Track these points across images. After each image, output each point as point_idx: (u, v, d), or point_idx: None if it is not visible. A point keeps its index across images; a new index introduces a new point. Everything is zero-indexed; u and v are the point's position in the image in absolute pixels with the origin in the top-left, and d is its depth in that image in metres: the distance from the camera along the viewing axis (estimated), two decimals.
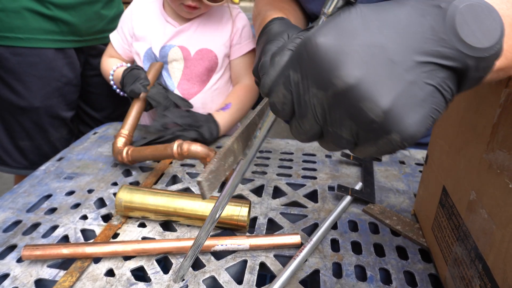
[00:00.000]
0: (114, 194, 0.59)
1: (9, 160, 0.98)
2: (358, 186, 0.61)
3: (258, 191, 0.62)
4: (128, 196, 0.52)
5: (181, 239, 0.47)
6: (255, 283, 0.43)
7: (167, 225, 0.54)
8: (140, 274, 0.45)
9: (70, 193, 0.60)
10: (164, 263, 0.47)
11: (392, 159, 0.72)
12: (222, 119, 0.80)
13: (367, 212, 0.55)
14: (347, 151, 0.72)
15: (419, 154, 0.74)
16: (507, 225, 0.29)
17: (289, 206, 0.57)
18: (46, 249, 0.45)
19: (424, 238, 0.49)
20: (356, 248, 0.48)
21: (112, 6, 1.01)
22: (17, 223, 0.53)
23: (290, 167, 0.69)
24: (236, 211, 0.50)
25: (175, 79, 0.87)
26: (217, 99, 0.90)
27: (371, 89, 0.21)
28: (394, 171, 0.67)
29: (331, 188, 0.62)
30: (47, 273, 0.44)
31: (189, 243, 0.46)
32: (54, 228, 0.52)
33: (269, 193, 0.60)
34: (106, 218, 0.54)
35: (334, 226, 0.52)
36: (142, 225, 0.53)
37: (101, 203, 0.58)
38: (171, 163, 0.70)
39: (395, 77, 0.21)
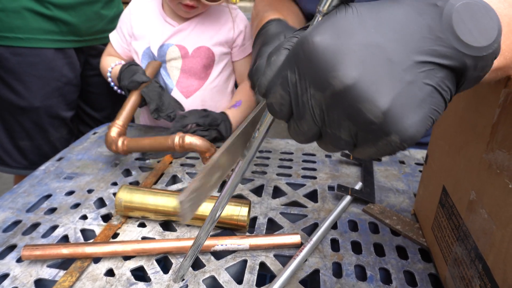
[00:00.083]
0: (114, 194, 0.59)
1: (9, 160, 0.98)
2: (358, 186, 0.61)
3: (258, 191, 0.61)
4: (128, 196, 0.52)
5: (181, 239, 0.47)
6: (255, 283, 0.43)
7: (167, 225, 0.54)
8: (140, 274, 0.45)
9: (70, 193, 0.60)
10: (164, 263, 0.47)
11: (392, 159, 0.72)
12: (234, 116, 0.82)
13: (367, 212, 0.55)
14: (347, 151, 0.72)
15: (419, 154, 0.74)
16: (507, 225, 0.29)
17: (289, 206, 0.57)
18: (46, 249, 0.45)
19: (424, 238, 0.49)
20: (356, 248, 0.48)
21: (112, 6, 1.01)
22: (16, 223, 0.53)
23: (290, 167, 0.69)
24: (236, 211, 0.50)
25: (173, 77, 0.87)
26: (216, 97, 0.91)
27: (369, 89, 0.21)
28: (394, 171, 0.67)
29: (331, 188, 0.62)
30: (47, 273, 0.44)
31: (189, 243, 0.46)
32: (54, 228, 0.52)
33: (269, 193, 0.60)
34: (106, 218, 0.54)
35: (334, 226, 0.52)
36: (142, 225, 0.53)
37: (101, 203, 0.58)
38: (171, 163, 0.70)
39: (394, 77, 0.21)
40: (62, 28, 0.90)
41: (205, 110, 0.79)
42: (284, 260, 0.46)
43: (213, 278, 0.44)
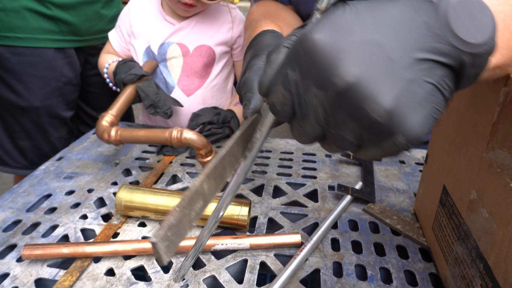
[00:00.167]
0: (114, 193, 0.59)
1: (9, 160, 0.97)
2: (358, 185, 0.61)
3: (258, 190, 0.61)
4: (128, 196, 0.52)
5: None
6: (255, 283, 0.43)
7: None
8: (140, 273, 0.45)
9: (70, 192, 0.60)
10: None
11: (392, 158, 0.72)
12: (241, 113, 0.82)
13: (367, 211, 0.55)
14: (351, 152, 0.72)
15: (419, 154, 0.74)
16: (508, 224, 0.29)
17: (289, 206, 0.57)
18: (46, 249, 0.45)
19: (424, 237, 0.49)
20: (357, 247, 0.48)
21: (112, 6, 1.01)
22: (17, 222, 0.53)
23: (290, 167, 0.69)
24: (236, 211, 0.50)
25: (174, 76, 0.87)
26: (216, 95, 0.92)
27: (371, 87, 0.21)
28: (394, 171, 0.67)
29: (331, 188, 0.62)
30: (47, 272, 0.44)
31: (189, 242, 0.46)
32: (54, 227, 0.52)
33: (269, 192, 0.60)
34: (106, 217, 0.54)
35: (334, 226, 0.52)
36: (142, 224, 0.53)
37: (101, 202, 0.58)
38: (171, 162, 0.70)
39: (395, 75, 0.21)
40: (62, 28, 0.89)
41: (215, 108, 0.80)
42: (285, 259, 0.46)
43: (213, 278, 0.44)
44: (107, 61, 0.86)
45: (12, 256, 0.46)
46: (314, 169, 0.68)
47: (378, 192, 0.60)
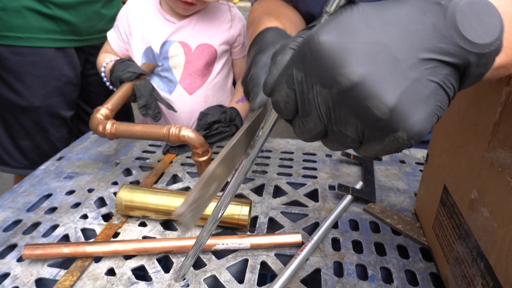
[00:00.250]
0: (115, 193, 0.59)
1: (9, 160, 0.97)
2: (359, 185, 0.61)
3: (259, 190, 0.61)
4: (129, 195, 0.52)
5: (181, 238, 0.47)
6: (256, 282, 0.42)
7: (168, 224, 0.54)
8: (141, 273, 0.45)
9: (70, 192, 0.60)
10: (165, 262, 0.47)
11: (392, 158, 0.72)
12: (243, 110, 0.85)
13: (367, 211, 0.55)
14: (348, 150, 0.72)
15: (419, 153, 0.74)
16: (509, 223, 0.29)
17: (290, 205, 0.57)
18: (47, 248, 0.45)
19: (425, 237, 0.49)
20: (357, 247, 0.48)
21: (112, 5, 1.01)
22: (17, 222, 0.53)
23: (291, 167, 0.69)
24: (237, 210, 0.50)
25: (177, 74, 0.87)
26: (218, 93, 0.93)
27: (376, 86, 0.21)
28: (394, 170, 0.67)
29: (331, 187, 0.62)
30: (47, 272, 0.44)
31: (190, 242, 0.46)
32: (55, 227, 0.52)
33: (270, 192, 0.60)
34: (107, 217, 0.54)
35: (335, 225, 0.52)
36: (143, 224, 0.53)
37: (101, 202, 0.58)
38: (171, 162, 0.70)
39: (399, 75, 0.22)
40: (62, 28, 0.89)
41: (221, 106, 0.80)
42: (285, 259, 0.46)
43: (214, 278, 0.44)
44: (105, 60, 0.87)
45: (12, 256, 0.46)
46: (315, 168, 0.68)
47: (378, 192, 0.60)
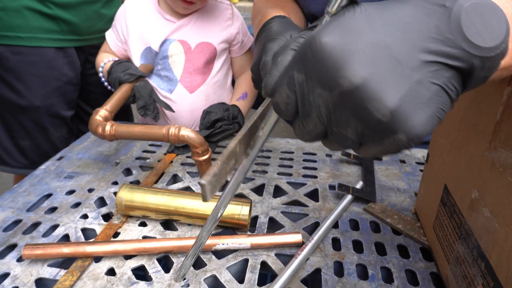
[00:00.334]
0: (115, 193, 0.59)
1: (9, 160, 0.97)
2: (359, 185, 0.61)
3: (259, 190, 0.61)
4: (129, 195, 0.52)
5: (182, 238, 0.47)
6: (256, 282, 0.42)
7: (168, 224, 0.54)
8: (141, 273, 0.45)
9: (70, 192, 0.60)
10: (165, 262, 0.47)
11: (393, 158, 0.72)
12: (244, 108, 0.86)
13: (368, 211, 0.55)
14: (348, 150, 0.72)
15: (420, 153, 0.74)
16: (510, 223, 0.29)
17: (290, 205, 0.57)
18: (47, 248, 0.44)
19: (425, 236, 0.49)
20: (358, 246, 0.48)
21: (112, 5, 1.01)
22: (17, 222, 0.52)
23: (291, 166, 0.69)
24: (237, 210, 0.50)
25: (177, 73, 0.87)
26: (218, 91, 0.93)
27: (377, 89, 0.21)
28: (394, 170, 0.67)
29: (331, 187, 0.62)
30: (47, 272, 0.44)
31: (190, 242, 0.46)
32: (55, 227, 0.52)
33: (270, 192, 0.60)
34: (107, 217, 0.54)
35: (335, 225, 0.52)
36: (143, 224, 0.53)
37: (101, 202, 0.58)
38: (171, 162, 0.70)
39: (401, 77, 0.21)
40: (62, 27, 0.89)
41: (223, 104, 0.80)
42: (286, 259, 0.46)
43: (214, 277, 0.44)
44: (103, 60, 0.87)
45: (12, 256, 0.46)
46: (315, 168, 0.68)
47: (379, 192, 0.60)
